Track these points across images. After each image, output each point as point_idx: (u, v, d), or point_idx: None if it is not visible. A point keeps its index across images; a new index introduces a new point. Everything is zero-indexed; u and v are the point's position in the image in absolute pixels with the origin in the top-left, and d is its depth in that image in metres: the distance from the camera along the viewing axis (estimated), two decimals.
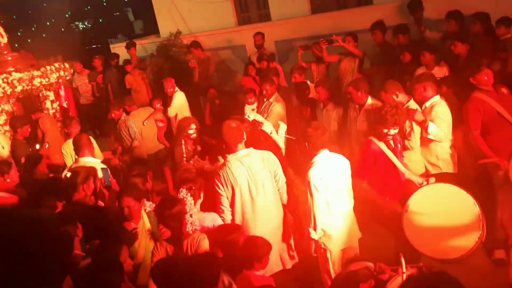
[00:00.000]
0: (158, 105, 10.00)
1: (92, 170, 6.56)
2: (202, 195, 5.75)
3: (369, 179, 6.12)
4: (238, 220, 5.91)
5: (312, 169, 5.64)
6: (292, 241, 6.20)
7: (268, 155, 6.02)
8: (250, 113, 7.79)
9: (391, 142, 6.10)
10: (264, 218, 5.98)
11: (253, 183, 5.89)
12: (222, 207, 5.89)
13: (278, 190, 6.06)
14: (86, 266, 3.81)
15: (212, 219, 5.64)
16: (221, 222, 5.69)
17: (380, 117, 5.94)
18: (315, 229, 5.69)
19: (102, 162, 7.56)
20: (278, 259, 6.09)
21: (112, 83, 13.69)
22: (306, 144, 5.75)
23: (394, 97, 6.92)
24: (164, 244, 5.06)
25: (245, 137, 5.98)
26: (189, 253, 4.83)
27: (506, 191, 3.60)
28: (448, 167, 7.03)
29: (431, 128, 6.53)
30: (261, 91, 9.13)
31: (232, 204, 5.92)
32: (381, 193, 6.06)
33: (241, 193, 5.85)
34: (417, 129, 6.75)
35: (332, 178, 5.62)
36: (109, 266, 3.62)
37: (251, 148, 6.00)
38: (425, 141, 6.89)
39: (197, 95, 11.95)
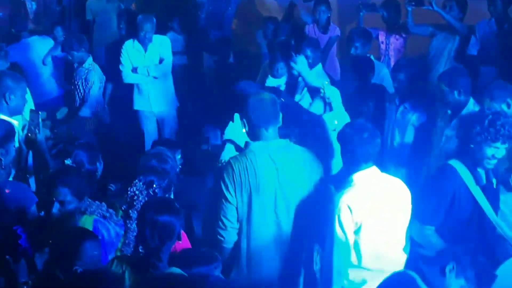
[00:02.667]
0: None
1: (12, 129, 5.92)
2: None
3: (440, 226, 5.50)
4: (242, 245, 5.24)
5: (343, 193, 4.95)
6: None
7: (312, 157, 5.39)
8: None
9: (483, 174, 5.38)
10: (277, 252, 5.28)
11: (282, 193, 5.21)
12: (225, 221, 5.19)
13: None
14: None
15: None
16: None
17: (480, 128, 5.20)
18: None
19: None
20: None
21: (70, 9, 12.58)
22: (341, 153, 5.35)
23: (505, 107, 6.20)
24: None
25: (280, 120, 5.37)
26: None
27: None
28: None
29: None
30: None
31: (244, 219, 5.22)
32: None
33: (262, 204, 5.18)
34: None
35: (376, 212, 4.87)
36: None
37: (288, 140, 5.42)
38: None
39: (199, 50, 10.81)
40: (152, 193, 5.00)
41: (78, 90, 8.75)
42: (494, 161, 5.37)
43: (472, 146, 5.32)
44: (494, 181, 5.57)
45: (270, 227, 5.33)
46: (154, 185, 5.06)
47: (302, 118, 6.93)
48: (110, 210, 5.29)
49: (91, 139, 7.32)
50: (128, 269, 4.50)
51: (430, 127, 7.16)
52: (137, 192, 4.93)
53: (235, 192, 5.23)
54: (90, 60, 8.78)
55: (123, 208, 5.03)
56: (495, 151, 5.30)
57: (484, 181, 5.49)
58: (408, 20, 9.30)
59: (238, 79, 8.73)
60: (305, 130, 6.65)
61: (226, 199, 5.26)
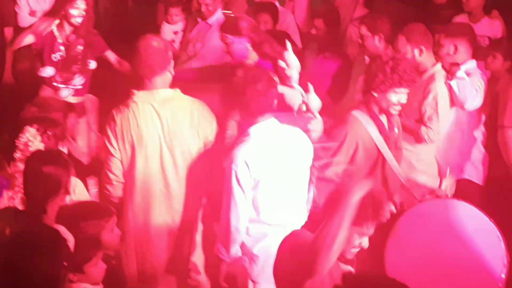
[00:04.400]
0: None
1: None
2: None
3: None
4: (128, 200, 5.21)
5: (240, 148, 4.79)
6: (198, 259, 5.30)
7: (203, 109, 5.28)
8: None
9: (385, 123, 5.41)
10: (166, 208, 5.23)
11: (168, 146, 5.15)
12: (110, 175, 5.18)
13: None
14: None
15: None
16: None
17: (383, 76, 5.18)
18: (227, 246, 4.87)
19: None
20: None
21: None
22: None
23: (417, 52, 6.31)
24: None
25: (171, 70, 5.22)
26: None
27: None
28: (473, 173, 6.69)
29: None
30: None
31: (127, 173, 5.18)
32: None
33: (145, 158, 5.13)
34: (443, 110, 6.17)
35: (275, 166, 4.79)
36: None
37: (178, 90, 5.26)
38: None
39: None
40: (47, 140, 4.89)
41: None
42: (399, 107, 5.38)
43: (376, 95, 5.28)
44: (396, 130, 5.60)
45: (156, 181, 5.24)
46: (48, 132, 4.95)
47: None
48: None
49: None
50: (10, 222, 4.31)
51: (346, 74, 7.17)
52: (30, 138, 4.81)
53: (118, 145, 5.15)
54: None
55: (16, 156, 4.83)
56: (400, 96, 5.30)
57: (387, 128, 5.50)
58: None
59: (137, 24, 8.93)
60: None
61: (109, 152, 5.19)
